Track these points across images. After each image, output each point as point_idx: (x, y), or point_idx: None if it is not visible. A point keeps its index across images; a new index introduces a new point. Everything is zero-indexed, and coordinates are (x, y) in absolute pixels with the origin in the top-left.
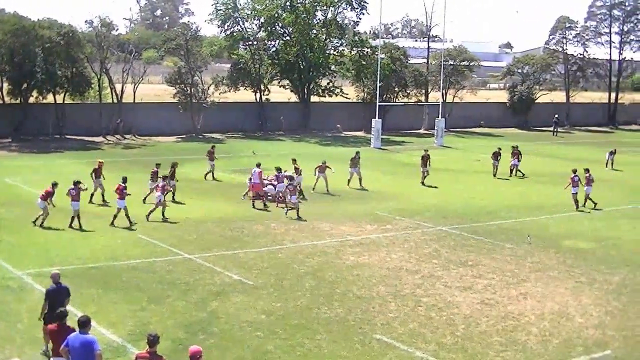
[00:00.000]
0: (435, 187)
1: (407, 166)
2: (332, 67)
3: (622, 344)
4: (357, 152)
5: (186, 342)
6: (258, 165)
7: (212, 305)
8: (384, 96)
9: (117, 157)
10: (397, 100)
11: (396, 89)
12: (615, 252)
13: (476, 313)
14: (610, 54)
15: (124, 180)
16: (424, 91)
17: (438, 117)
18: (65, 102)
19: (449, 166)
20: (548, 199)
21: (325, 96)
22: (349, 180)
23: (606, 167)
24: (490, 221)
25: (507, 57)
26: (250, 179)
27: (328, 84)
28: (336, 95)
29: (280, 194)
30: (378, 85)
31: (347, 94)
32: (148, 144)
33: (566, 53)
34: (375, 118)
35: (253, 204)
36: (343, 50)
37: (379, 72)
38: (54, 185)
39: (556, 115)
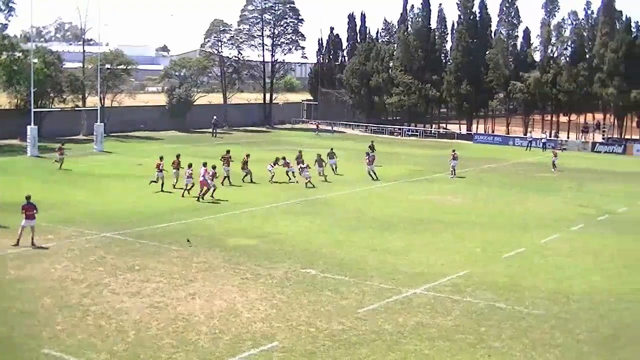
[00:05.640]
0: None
1: (68, 173)
2: None
3: (288, 334)
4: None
5: None
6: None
7: None
8: (39, 102)
9: None
10: (53, 106)
11: (52, 94)
12: (277, 246)
13: (146, 317)
14: (263, 56)
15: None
16: (81, 96)
17: (97, 122)
18: None
19: (111, 171)
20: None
21: None
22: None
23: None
24: (155, 224)
25: (165, 61)
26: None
27: None
28: None
29: None
30: (32, 90)
31: None
32: None
33: (221, 55)
34: (30, 125)
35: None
36: None
37: (32, 77)
38: None
39: (215, 117)
